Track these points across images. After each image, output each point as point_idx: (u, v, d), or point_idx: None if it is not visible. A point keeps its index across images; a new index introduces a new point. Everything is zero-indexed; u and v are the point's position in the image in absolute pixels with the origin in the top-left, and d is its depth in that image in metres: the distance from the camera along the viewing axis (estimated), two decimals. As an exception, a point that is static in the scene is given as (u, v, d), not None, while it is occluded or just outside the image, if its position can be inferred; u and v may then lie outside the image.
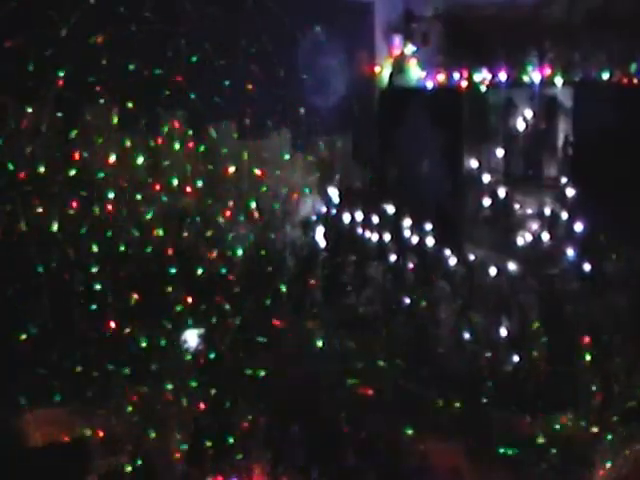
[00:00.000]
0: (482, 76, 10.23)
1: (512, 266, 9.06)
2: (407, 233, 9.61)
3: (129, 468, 6.98)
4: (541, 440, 7.16)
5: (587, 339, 7.72)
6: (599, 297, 8.33)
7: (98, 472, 6.99)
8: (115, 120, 7.87)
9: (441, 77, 10.56)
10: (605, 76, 9.82)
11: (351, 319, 8.41)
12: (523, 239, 9.74)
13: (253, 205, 8.55)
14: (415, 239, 9.55)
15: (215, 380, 7.30)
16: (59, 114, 7.62)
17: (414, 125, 10.13)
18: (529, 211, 10.04)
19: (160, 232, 7.62)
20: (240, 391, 7.27)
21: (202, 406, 7.16)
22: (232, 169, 8.61)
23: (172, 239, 7.68)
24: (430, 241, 9.46)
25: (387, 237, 9.60)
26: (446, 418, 7.38)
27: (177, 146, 8.48)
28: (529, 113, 10.38)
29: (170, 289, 7.39)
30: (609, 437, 7.16)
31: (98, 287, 7.19)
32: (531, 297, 8.50)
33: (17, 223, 6.99)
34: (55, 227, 7.15)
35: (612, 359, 7.56)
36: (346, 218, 9.76)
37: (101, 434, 6.99)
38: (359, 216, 9.76)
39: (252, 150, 8.93)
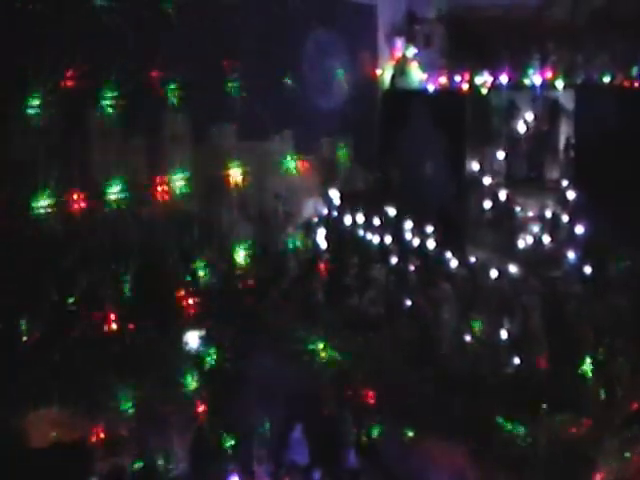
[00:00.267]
0: (484, 79, 10.25)
1: (514, 268, 9.07)
2: (409, 235, 9.62)
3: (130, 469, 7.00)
4: (543, 441, 7.15)
5: (589, 341, 7.72)
6: (601, 299, 8.34)
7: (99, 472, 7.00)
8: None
9: (443, 79, 10.58)
10: (607, 79, 9.85)
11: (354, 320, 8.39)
12: (525, 241, 9.76)
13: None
14: (417, 241, 9.55)
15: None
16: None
17: (416, 127, 10.13)
18: (531, 213, 10.05)
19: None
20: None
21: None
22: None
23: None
24: (432, 243, 9.47)
25: (389, 239, 9.61)
26: (448, 418, 7.37)
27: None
28: (531, 116, 10.41)
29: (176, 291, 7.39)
30: (612, 439, 7.16)
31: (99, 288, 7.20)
32: (533, 299, 8.49)
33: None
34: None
35: (614, 361, 7.56)
36: (348, 220, 9.75)
37: (102, 435, 7.00)
38: (361, 218, 9.76)
39: (254, 152, 8.91)
